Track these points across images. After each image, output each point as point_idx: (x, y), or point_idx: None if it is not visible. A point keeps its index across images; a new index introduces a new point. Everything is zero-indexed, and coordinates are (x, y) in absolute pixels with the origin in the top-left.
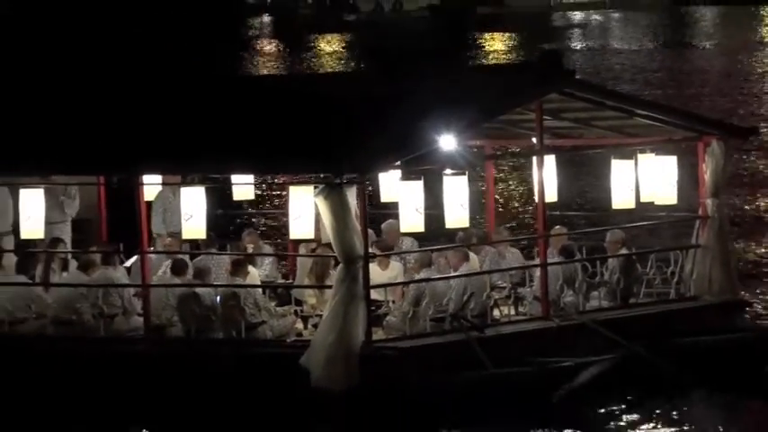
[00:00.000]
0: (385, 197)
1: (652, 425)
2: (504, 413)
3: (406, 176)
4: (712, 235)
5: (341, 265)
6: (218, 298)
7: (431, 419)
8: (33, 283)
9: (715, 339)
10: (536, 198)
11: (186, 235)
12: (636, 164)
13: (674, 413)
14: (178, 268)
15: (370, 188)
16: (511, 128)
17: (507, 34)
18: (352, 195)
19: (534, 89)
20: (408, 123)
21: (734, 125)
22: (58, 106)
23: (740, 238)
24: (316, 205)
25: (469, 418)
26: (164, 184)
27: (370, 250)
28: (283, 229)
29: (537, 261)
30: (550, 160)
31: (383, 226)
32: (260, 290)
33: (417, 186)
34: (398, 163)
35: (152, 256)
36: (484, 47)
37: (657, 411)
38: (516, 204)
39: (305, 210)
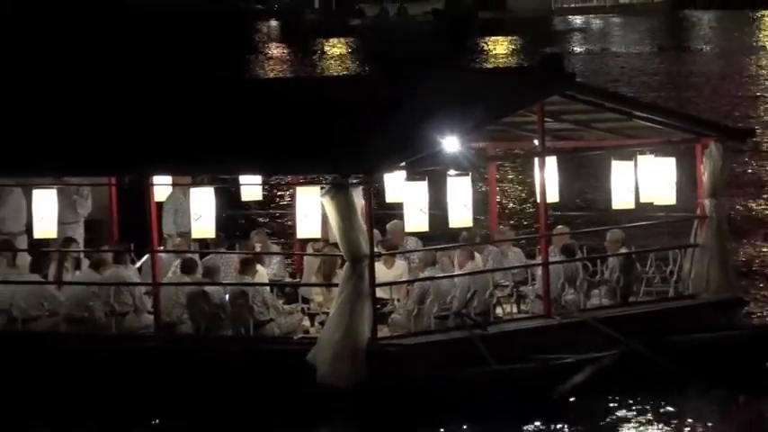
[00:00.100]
0: (390, 197)
1: (651, 420)
2: (507, 409)
3: (411, 177)
4: (710, 234)
5: (347, 264)
6: (227, 296)
7: (435, 415)
8: (47, 281)
9: (713, 337)
10: (537, 198)
11: (196, 234)
12: (635, 165)
13: (673, 409)
14: (188, 267)
15: (375, 188)
16: (513, 130)
17: (509, 38)
18: (358, 196)
19: (536, 92)
20: (413, 125)
21: (731, 127)
22: (68, 107)
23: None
24: (322, 205)
25: (473, 414)
26: (174, 184)
27: (376, 249)
28: (291, 228)
29: (539, 260)
30: (552, 161)
31: (388, 226)
32: (268, 288)
33: (422, 187)
34: (403, 164)
35: (162, 255)
36: (486, 50)
37: (656, 407)
38: (518, 205)
39: (312, 210)
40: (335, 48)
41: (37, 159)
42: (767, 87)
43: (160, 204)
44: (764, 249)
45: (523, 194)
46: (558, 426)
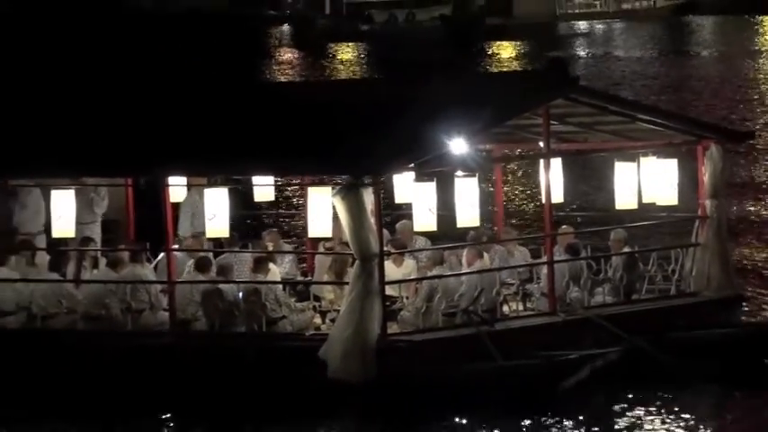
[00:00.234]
0: (399, 198)
1: (653, 415)
2: (513, 403)
3: (419, 178)
4: (711, 234)
5: (357, 263)
6: (241, 294)
7: (443, 409)
8: (65, 279)
9: (713, 333)
10: (543, 199)
11: (210, 234)
12: (638, 166)
13: (674, 404)
14: (202, 265)
15: (385, 188)
16: (519, 132)
17: (515, 43)
18: (368, 196)
19: (541, 95)
20: (421, 128)
21: (731, 129)
22: (84, 109)
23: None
24: (333, 205)
25: (479, 408)
26: (189, 185)
27: (385, 248)
28: (302, 228)
29: (544, 259)
30: (557, 163)
31: (398, 225)
32: (280, 286)
33: (430, 188)
34: (412, 165)
35: (177, 255)
36: (493, 55)
37: (658, 402)
38: (524, 205)
39: (323, 210)
40: (346, 52)
41: (55, 160)
42: (766, 91)
43: (175, 205)
44: (757, 249)
45: (530, 195)
46: (563, 420)
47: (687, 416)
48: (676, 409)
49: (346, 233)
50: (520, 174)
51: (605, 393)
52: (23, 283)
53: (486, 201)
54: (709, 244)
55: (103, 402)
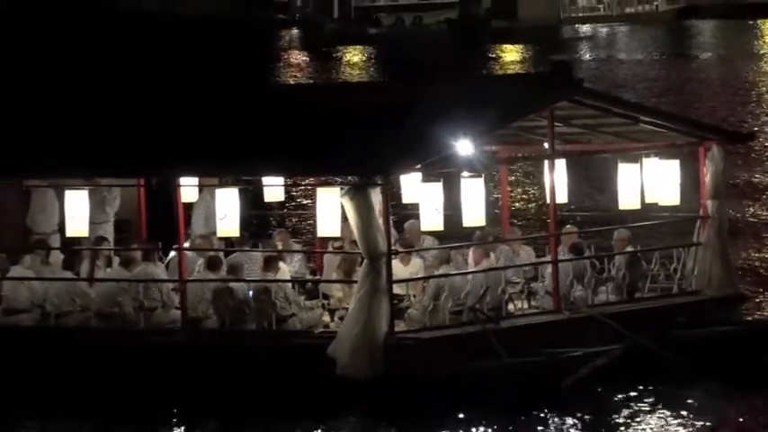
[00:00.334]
0: (406, 198)
1: (655, 411)
2: (518, 399)
3: (427, 179)
4: (712, 234)
5: (365, 262)
6: (251, 292)
7: (449, 405)
8: (78, 278)
9: (715, 331)
10: (547, 199)
11: (221, 233)
12: (641, 167)
13: (676, 401)
14: (213, 264)
15: (392, 189)
16: (524, 134)
17: (520, 46)
18: (376, 196)
19: (546, 97)
20: (428, 129)
21: (732, 131)
22: (97, 110)
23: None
24: (342, 206)
25: (485, 404)
26: (201, 186)
27: (394, 247)
28: (311, 228)
29: (548, 258)
30: (561, 164)
31: (406, 225)
32: (290, 284)
33: (437, 188)
34: (419, 166)
35: (188, 254)
36: (498, 58)
37: (660, 399)
38: (529, 205)
39: (331, 210)
40: (354, 55)
41: (70, 161)
42: (765, 93)
43: (186, 205)
44: (755, 249)
45: (535, 195)
46: (566, 416)
47: (688, 412)
48: (677, 405)
49: (355, 233)
50: (521, 174)
51: (608, 390)
52: (38, 281)
53: (493, 202)
54: (711, 243)
55: (116, 399)
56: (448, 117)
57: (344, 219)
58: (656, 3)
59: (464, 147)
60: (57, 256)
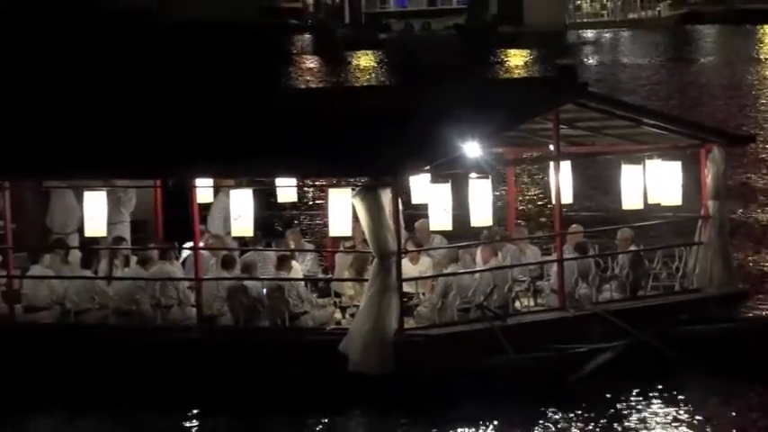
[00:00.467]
0: (416, 199)
1: (657, 406)
2: (524, 394)
3: (435, 179)
4: (713, 233)
5: (376, 260)
6: (265, 290)
7: (457, 400)
8: (97, 276)
9: (716, 328)
10: (553, 200)
11: (235, 233)
12: (644, 169)
13: (678, 396)
14: (227, 263)
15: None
16: (530, 136)
17: (526, 51)
18: (386, 197)
19: (551, 100)
20: (437, 131)
21: (733, 133)
22: (112, 112)
23: None
24: (353, 206)
25: (492, 400)
26: (218, 188)
27: (405, 246)
28: (323, 227)
29: (554, 257)
30: (566, 165)
31: (416, 224)
32: (302, 283)
33: (445, 188)
34: (428, 167)
35: (203, 252)
36: (505, 62)
37: (662, 394)
38: (535, 205)
39: (343, 210)
40: (364, 60)
41: (88, 163)
42: (764, 96)
43: (201, 205)
44: (754, 250)
45: (541, 196)
46: (572, 410)
47: (690, 407)
48: (679, 400)
49: (365, 232)
50: (528, 175)
51: (612, 385)
52: (57, 280)
53: (501, 202)
54: (712, 243)
55: (133, 394)
56: (456, 120)
57: (356, 219)
58: (658, 8)
59: (472, 148)
60: (76, 256)
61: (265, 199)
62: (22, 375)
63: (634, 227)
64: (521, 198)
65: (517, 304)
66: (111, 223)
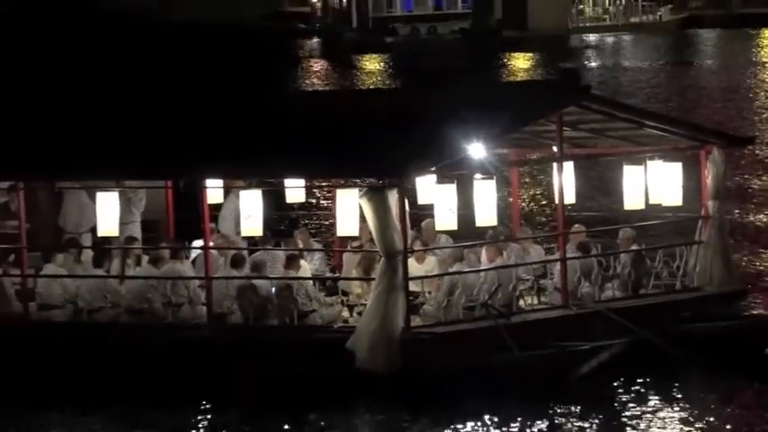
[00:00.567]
0: (422, 199)
1: (658, 403)
2: (528, 391)
3: (441, 180)
4: (713, 233)
5: (383, 259)
6: (274, 289)
7: (463, 396)
8: (109, 275)
9: (716, 326)
10: (556, 200)
11: (245, 233)
12: (645, 169)
13: (679, 392)
14: (237, 262)
15: (409, 190)
16: (534, 137)
17: (530, 54)
18: (393, 197)
19: (555, 103)
20: (442, 133)
21: (733, 135)
22: (123, 113)
23: None
24: (360, 206)
25: (497, 396)
26: (228, 189)
27: (412, 246)
28: (331, 227)
29: (557, 256)
30: (569, 166)
31: (422, 224)
32: (311, 281)
33: (451, 189)
34: (434, 168)
35: (212, 252)
36: (509, 66)
37: (664, 391)
38: (538, 206)
39: (350, 210)
40: (371, 63)
41: (102, 164)
42: (765, 98)
43: (211, 206)
44: (753, 250)
45: (544, 196)
46: (575, 407)
47: (691, 404)
48: (680, 397)
49: (372, 232)
50: (531, 176)
51: (615, 382)
52: (70, 278)
53: (505, 202)
54: (712, 242)
55: (145, 391)
56: (461, 122)
57: (363, 219)
58: (659, 13)
59: (477, 150)
60: (87, 255)
61: (274, 199)
62: (35, 373)
63: (636, 226)
64: (525, 198)
65: (521, 302)
66: (123, 223)
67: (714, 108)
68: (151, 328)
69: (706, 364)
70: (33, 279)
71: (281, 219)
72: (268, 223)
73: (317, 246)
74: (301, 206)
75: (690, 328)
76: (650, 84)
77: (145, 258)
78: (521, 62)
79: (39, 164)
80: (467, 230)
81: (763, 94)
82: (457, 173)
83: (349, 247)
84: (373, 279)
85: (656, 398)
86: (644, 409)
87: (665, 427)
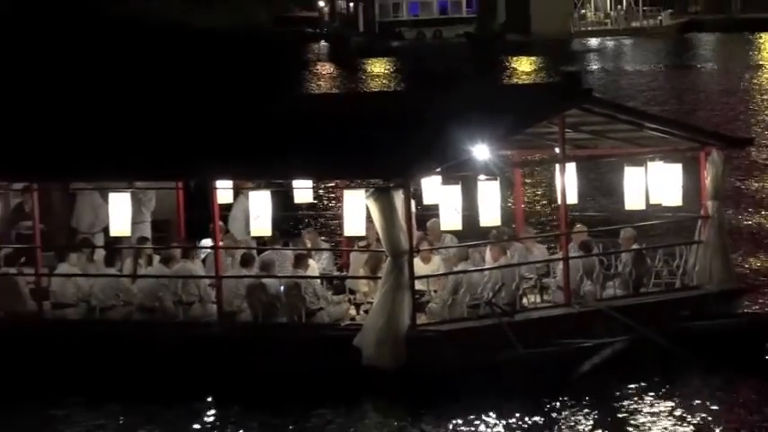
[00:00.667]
0: (427, 200)
1: (659, 399)
2: (531, 387)
3: (446, 181)
4: (712, 232)
5: (389, 259)
6: (282, 288)
7: (467, 393)
8: (122, 274)
9: (715, 323)
10: (559, 200)
11: (254, 233)
12: (646, 170)
13: (678, 389)
14: (246, 261)
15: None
16: (537, 139)
17: (533, 58)
18: (398, 198)
19: (557, 105)
20: (447, 135)
21: (732, 137)
22: (136, 116)
23: None
24: (367, 207)
25: (501, 392)
26: (238, 190)
27: (419, 246)
28: (338, 227)
29: (560, 255)
30: (571, 167)
31: (428, 224)
32: (318, 280)
33: (455, 190)
34: (439, 169)
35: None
36: (513, 69)
37: (664, 387)
38: (541, 206)
39: (357, 211)
40: (378, 66)
41: (115, 166)
42: (762, 101)
43: (221, 206)
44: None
45: (547, 197)
46: (576, 404)
47: (690, 400)
48: (680, 393)
49: (379, 232)
50: (534, 177)
51: (616, 379)
52: (83, 277)
53: (508, 203)
54: (711, 241)
55: (156, 387)
56: (466, 124)
57: (370, 219)
58: (660, 17)
59: (481, 151)
60: (100, 254)
61: (283, 200)
62: (49, 369)
63: (636, 226)
64: (528, 199)
65: (524, 301)
66: (134, 223)
67: (712, 110)
68: (162, 325)
69: (705, 361)
70: (47, 278)
71: (289, 219)
72: (277, 223)
73: (325, 245)
74: (309, 206)
75: (689, 326)
76: (650, 87)
77: (156, 258)
78: (524, 65)
79: (52, 166)
80: (471, 230)
81: (759, 97)
82: (462, 174)
83: (356, 247)
84: (380, 278)
85: (657, 394)
86: (644, 405)
87: (665, 423)
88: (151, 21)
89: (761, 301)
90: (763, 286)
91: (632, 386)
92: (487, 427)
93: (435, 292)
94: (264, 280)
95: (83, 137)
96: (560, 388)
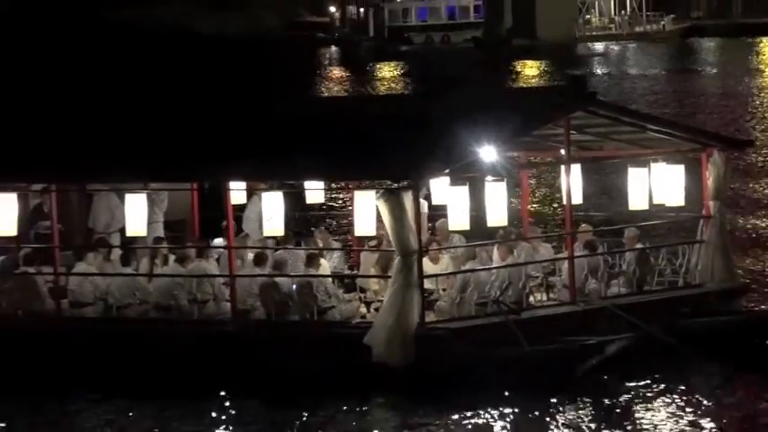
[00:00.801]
0: (436, 200)
1: (662, 395)
2: (538, 384)
3: (454, 182)
4: (714, 232)
5: (398, 258)
6: (295, 286)
7: (475, 389)
8: (138, 273)
9: (717, 321)
10: (564, 201)
11: (267, 233)
12: (649, 171)
13: (682, 385)
14: (259, 260)
15: (423, 192)
16: (543, 141)
17: (539, 62)
18: (408, 199)
19: (562, 108)
20: (456, 137)
21: (733, 138)
22: (152, 118)
23: None
24: (377, 207)
25: (508, 389)
26: (252, 191)
27: (428, 246)
28: (349, 227)
29: (565, 254)
30: (576, 168)
31: (436, 224)
32: (330, 279)
33: (463, 191)
34: (447, 171)
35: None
36: (519, 73)
37: (668, 383)
38: (547, 206)
39: (367, 211)
40: (387, 70)
41: (132, 168)
42: (762, 104)
43: (235, 207)
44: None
45: (552, 197)
46: (581, 400)
47: (692, 396)
48: (683, 389)
49: (388, 232)
50: (540, 178)
51: (620, 376)
52: (101, 276)
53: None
54: (713, 241)
55: (171, 383)
56: (473, 126)
57: (380, 219)
58: (663, 22)
59: (488, 153)
60: (117, 254)
61: (295, 200)
62: (67, 367)
63: (640, 226)
64: (534, 200)
65: (531, 299)
66: (148, 223)
67: (713, 113)
68: (178, 323)
69: (708, 358)
70: (65, 277)
71: (302, 219)
72: (289, 223)
73: (336, 245)
74: (321, 207)
75: (692, 324)
76: (653, 90)
77: (172, 257)
78: (530, 69)
79: (70, 168)
80: (479, 230)
81: (759, 100)
82: (469, 175)
83: (366, 246)
84: (390, 277)
85: (660, 390)
86: (648, 401)
87: (668, 420)
88: (151, 24)
89: (760, 299)
90: (763, 285)
91: (636, 383)
92: (494, 422)
93: (444, 290)
94: (277, 279)
95: (99, 139)
96: (565, 385)
